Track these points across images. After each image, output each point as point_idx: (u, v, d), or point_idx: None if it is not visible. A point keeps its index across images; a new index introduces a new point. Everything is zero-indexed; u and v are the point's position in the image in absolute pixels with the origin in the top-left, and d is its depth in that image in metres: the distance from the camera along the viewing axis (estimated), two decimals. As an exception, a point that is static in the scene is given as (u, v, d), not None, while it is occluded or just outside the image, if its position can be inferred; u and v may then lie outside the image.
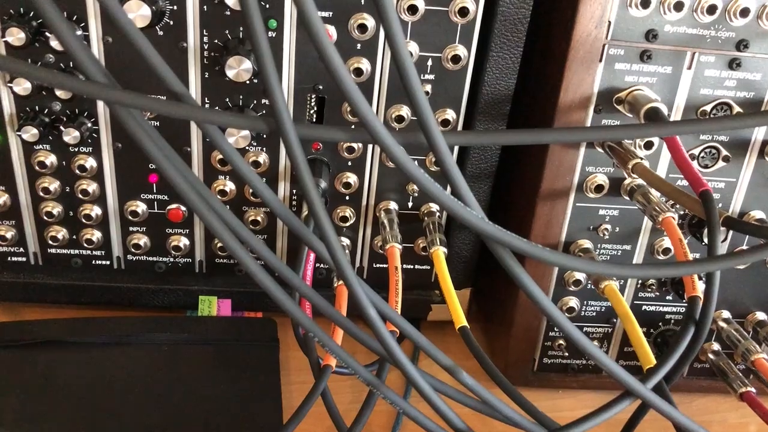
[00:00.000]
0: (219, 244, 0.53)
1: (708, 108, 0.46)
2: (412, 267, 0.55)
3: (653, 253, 0.50)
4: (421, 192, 0.52)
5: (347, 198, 0.52)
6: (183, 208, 0.51)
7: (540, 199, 0.47)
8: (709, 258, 0.35)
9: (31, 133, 0.47)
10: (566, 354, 0.53)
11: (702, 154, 0.47)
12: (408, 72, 0.26)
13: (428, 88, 0.48)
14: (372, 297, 0.31)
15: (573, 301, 0.51)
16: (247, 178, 0.29)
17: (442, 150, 0.27)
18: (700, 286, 0.39)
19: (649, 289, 0.51)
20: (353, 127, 0.48)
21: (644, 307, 0.52)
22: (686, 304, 0.39)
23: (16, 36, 0.43)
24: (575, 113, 0.45)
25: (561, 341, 0.52)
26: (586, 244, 0.49)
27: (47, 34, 0.44)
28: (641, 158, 0.43)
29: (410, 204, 0.52)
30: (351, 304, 0.41)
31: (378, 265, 0.55)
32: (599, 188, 0.47)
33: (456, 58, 0.46)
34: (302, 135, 0.28)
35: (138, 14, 0.42)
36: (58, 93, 0.46)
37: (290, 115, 0.27)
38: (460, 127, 0.49)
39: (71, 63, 0.46)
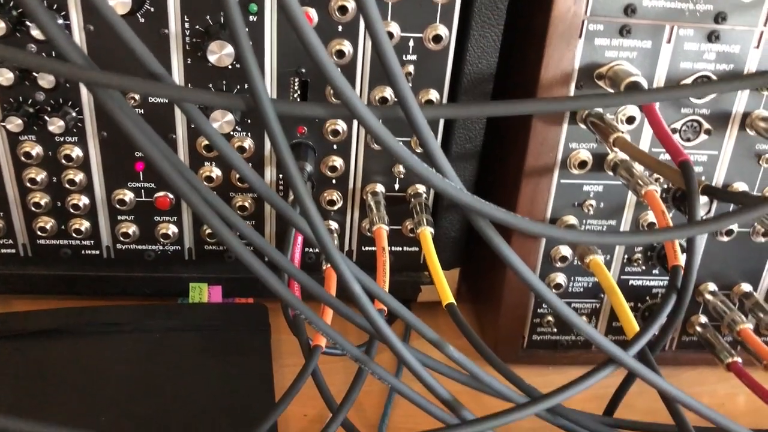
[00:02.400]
0: (208, 231, 0.53)
1: (688, 81, 0.46)
2: (400, 249, 0.55)
3: (638, 227, 0.50)
4: (408, 173, 0.52)
5: (334, 181, 0.52)
6: (170, 196, 0.52)
7: (524, 176, 0.48)
8: (689, 223, 0.36)
9: (15, 123, 0.47)
10: (555, 330, 0.53)
11: (684, 128, 0.47)
12: (381, 43, 0.27)
13: (411, 68, 0.48)
14: (358, 275, 0.31)
15: (560, 277, 0.51)
16: (230, 159, 0.29)
17: (418, 121, 0.28)
18: (681, 256, 0.40)
19: (635, 264, 0.52)
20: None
21: (631, 282, 0.52)
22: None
23: (-4, 26, 0.43)
24: (556, 89, 0.45)
25: (550, 317, 0.53)
26: (572, 220, 0.49)
27: (28, 23, 0.44)
28: (622, 132, 0.44)
29: (397, 186, 0.53)
30: (340, 287, 0.42)
31: (367, 248, 0.55)
32: (583, 164, 0.47)
33: (437, 38, 0.47)
34: (280, 111, 0.28)
35: (118, 1, 0.42)
36: (42, 82, 0.46)
37: (267, 91, 0.27)
38: (443, 108, 0.50)
39: (53, 52, 0.46)
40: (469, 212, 0.29)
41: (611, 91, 0.45)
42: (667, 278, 0.52)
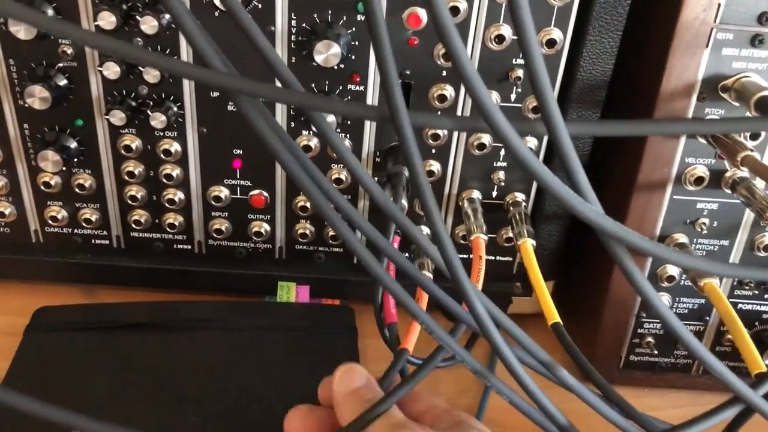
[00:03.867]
0: (299, 230, 0.52)
1: (824, 97, 0.43)
2: (493, 258, 0.54)
3: (753, 249, 0.47)
4: (507, 181, 0.50)
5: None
6: (265, 194, 0.51)
7: (636, 191, 0.45)
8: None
9: (118, 117, 0.47)
10: (655, 351, 0.51)
11: (811, 146, 0.44)
12: (533, 56, 0.25)
13: (520, 73, 0.46)
14: (481, 299, 0.30)
15: (665, 298, 0.49)
16: (354, 169, 0.28)
17: (564, 141, 0.26)
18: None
19: (747, 287, 0.49)
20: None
21: (740, 306, 0.49)
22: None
23: (108, 20, 0.43)
24: (677, 101, 0.43)
25: (650, 338, 0.50)
26: (682, 238, 0.47)
27: (137, 17, 0.44)
28: (751, 150, 0.41)
29: (494, 193, 0.51)
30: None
31: (459, 256, 0.54)
32: (699, 180, 0.45)
33: (551, 42, 0.44)
34: (415, 123, 0.27)
35: (228, -3, 0.42)
36: (147, 77, 0.46)
37: (404, 104, 0.26)
38: (550, 115, 0.48)
39: (158, 47, 0.45)
40: (608, 239, 0.27)
41: (736, 104, 0.42)
42: (780, 303, 0.49)
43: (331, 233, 0.52)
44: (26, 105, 0.46)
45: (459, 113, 0.48)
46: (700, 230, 0.47)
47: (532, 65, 0.24)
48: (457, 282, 0.28)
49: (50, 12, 0.44)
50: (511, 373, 0.31)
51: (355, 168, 0.29)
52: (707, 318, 0.50)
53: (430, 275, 0.48)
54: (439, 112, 0.47)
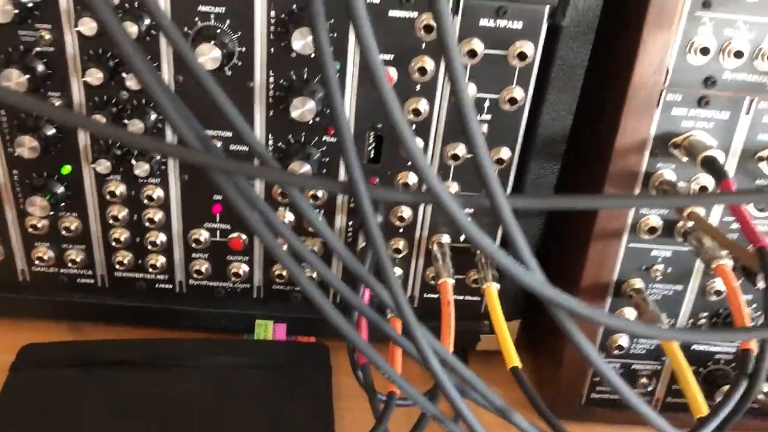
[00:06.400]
0: (276, 271, 0.55)
1: (765, 153, 0.46)
2: (462, 298, 0.56)
3: (704, 294, 0.50)
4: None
5: (401, 231, 0.53)
6: (243, 237, 0.53)
7: (593, 239, 0.48)
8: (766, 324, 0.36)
9: (104, 165, 0.49)
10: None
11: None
12: (480, 151, 0.27)
13: (485, 128, 0.49)
14: (433, 344, 0.32)
15: (623, 339, 0.51)
16: (323, 233, 0.31)
17: (506, 216, 0.29)
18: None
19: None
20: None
21: (693, 346, 0.52)
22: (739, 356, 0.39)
23: (95, 76, 0.46)
24: (631, 156, 0.46)
25: (609, 377, 0.53)
26: (638, 284, 0.49)
27: (123, 74, 0.46)
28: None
29: (463, 237, 0.54)
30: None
31: (428, 296, 0.56)
32: (653, 230, 0.47)
33: (513, 100, 0.47)
34: (375, 196, 0.29)
35: (209, 57, 0.44)
36: (131, 128, 0.49)
37: (364, 180, 0.29)
38: (514, 165, 0.50)
39: (143, 100, 0.48)
40: (551, 307, 0.30)
41: (685, 159, 0.45)
42: (731, 344, 0.52)
43: (308, 274, 0.55)
44: (16, 154, 0.48)
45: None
46: (654, 276, 0.49)
47: (475, 148, 0.27)
48: (410, 333, 0.31)
49: (41, 67, 0.46)
50: (460, 417, 0.34)
51: (323, 231, 0.32)
52: (664, 357, 0.53)
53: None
54: (408, 163, 0.50)
